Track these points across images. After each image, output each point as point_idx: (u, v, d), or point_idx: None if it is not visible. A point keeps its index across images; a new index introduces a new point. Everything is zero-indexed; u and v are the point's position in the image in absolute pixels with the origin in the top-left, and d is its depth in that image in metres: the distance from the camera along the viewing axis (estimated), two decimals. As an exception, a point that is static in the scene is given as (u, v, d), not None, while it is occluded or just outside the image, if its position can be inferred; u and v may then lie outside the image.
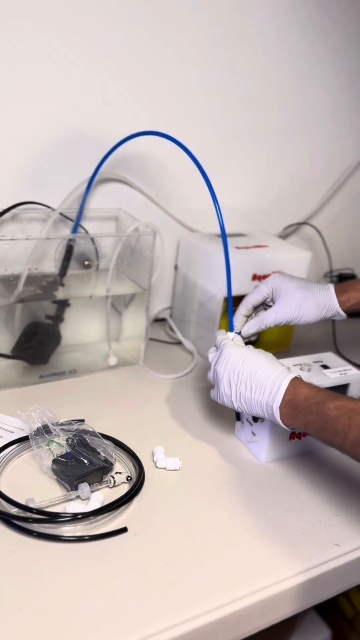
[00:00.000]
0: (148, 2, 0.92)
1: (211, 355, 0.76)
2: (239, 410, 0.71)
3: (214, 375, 0.74)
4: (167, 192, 1.06)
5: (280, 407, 0.65)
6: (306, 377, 0.77)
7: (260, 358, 0.70)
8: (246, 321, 0.82)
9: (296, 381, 0.66)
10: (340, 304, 0.80)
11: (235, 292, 0.97)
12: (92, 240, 0.93)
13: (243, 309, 0.82)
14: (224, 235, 0.76)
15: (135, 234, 0.92)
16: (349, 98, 1.21)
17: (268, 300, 0.82)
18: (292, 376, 0.66)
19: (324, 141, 1.23)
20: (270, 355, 0.71)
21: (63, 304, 0.91)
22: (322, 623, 1.10)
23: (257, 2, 1.02)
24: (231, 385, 0.70)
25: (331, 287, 0.81)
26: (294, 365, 0.80)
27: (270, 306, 0.82)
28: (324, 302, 0.80)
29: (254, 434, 0.77)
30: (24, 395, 0.86)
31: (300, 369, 0.79)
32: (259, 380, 0.68)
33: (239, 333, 0.81)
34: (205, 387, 0.93)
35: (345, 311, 0.81)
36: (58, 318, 0.91)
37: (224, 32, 1.01)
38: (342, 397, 0.61)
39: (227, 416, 0.85)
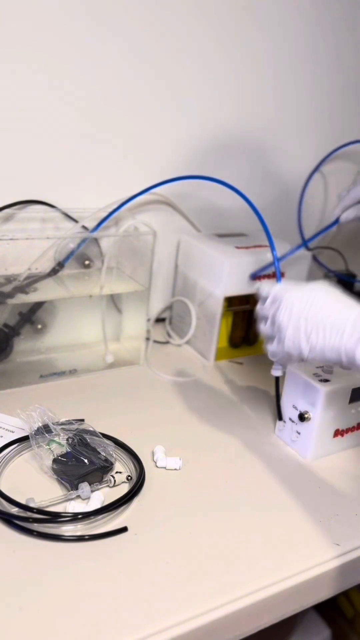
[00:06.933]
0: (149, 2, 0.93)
1: (266, 306, 0.68)
2: (309, 359, 0.63)
3: (274, 328, 0.66)
4: (168, 192, 1.06)
5: None
6: None
7: (330, 298, 0.62)
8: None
9: None
10: None
11: (235, 292, 0.99)
12: (93, 239, 0.93)
13: (347, 201, 0.90)
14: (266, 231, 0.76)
15: (136, 234, 0.92)
16: (351, 98, 1.22)
17: None
18: None
19: (325, 142, 1.22)
20: (338, 292, 0.64)
21: (27, 315, 0.86)
22: (322, 623, 1.10)
23: (260, 4, 1.02)
24: (300, 332, 0.62)
25: None
26: None
27: None
28: None
29: (299, 433, 0.77)
30: (24, 395, 0.86)
31: None
32: (333, 323, 0.60)
33: (337, 221, 0.90)
34: (206, 387, 0.94)
35: None
36: (14, 329, 0.87)
37: (225, 31, 1.01)
38: None
39: (226, 416, 0.85)
